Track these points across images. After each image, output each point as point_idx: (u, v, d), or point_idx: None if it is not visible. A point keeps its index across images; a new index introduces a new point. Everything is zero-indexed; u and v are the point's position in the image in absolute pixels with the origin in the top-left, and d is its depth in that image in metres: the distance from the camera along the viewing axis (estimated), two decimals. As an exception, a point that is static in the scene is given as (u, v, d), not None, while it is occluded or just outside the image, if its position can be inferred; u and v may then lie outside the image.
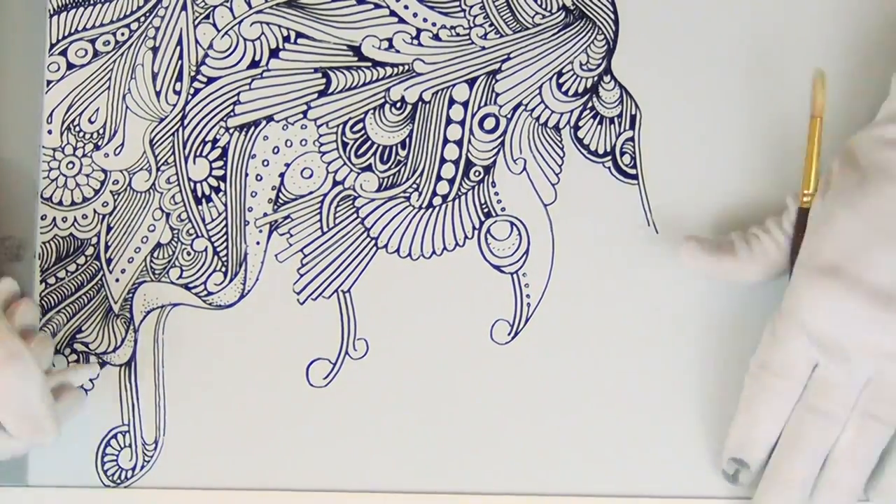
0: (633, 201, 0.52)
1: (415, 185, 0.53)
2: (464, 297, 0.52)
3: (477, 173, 0.53)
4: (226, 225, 0.53)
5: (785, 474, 0.45)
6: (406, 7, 0.54)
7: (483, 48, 0.53)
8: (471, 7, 0.54)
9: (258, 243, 0.53)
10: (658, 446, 0.50)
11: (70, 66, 0.55)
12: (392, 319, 0.52)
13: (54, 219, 0.53)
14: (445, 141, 0.53)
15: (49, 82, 0.55)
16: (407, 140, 0.53)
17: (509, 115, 0.53)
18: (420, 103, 0.53)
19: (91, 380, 0.52)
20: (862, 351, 0.44)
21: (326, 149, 0.53)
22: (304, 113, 0.54)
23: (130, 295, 0.53)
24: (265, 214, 0.53)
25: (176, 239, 0.53)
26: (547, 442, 0.50)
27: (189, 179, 0.54)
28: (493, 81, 0.53)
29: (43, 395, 0.46)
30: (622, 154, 0.52)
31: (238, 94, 0.54)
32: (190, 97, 0.54)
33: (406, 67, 0.54)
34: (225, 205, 0.53)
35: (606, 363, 0.51)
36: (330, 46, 0.54)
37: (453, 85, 0.53)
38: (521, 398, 0.51)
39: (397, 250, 0.52)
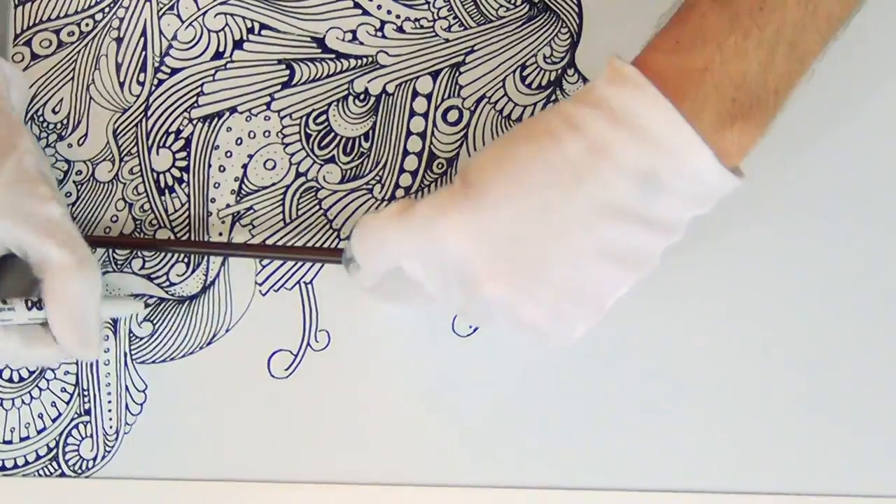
0: (596, 194, 0.52)
1: (378, 177, 0.53)
2: (426, 290, 0.52)
3: (440, 165, 0.53)
4: (189, 216, 0.53)
5: None
6: (370, -1, 0.54)
7: (447, 40, 0.53)
8: (435, -1, 0.54)
9: (221, 234, 0.53)
10: (623, 439, 0.50)
11: (34, 56, 0.55)
12: (354, 311, 0.52)
13: (17, 209, 0.53)
14: (409, 133, 0.53)
15: (13, 72, 0.54)
16: (370, 132, 0.53)
17: (473, 108, 0.53)
18: (383, 95, 0.53)
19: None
20: None
21: (289, 140, 0.53)
22: (268, 104, 0.54)
23: (93, 285, 0.53)
24: (228, 206, 0.53)
25: (139, 229, 0.53)
26: (508, 433, 0.50)
27: (152, 170, 0.54)
28: (457, 74, 0.53)
29: (98, 309, 0.46)
30: (585, 147, 0.52)
31: (202, 85, 0.54)
32: (154, 88, 0.54)
33: (370, 59, 0.54)
34: (188, 196, 0.53)
35: (569, 357, 0.51)
36: (294, 38, 0.54)
37: (417, 77, 0.53)
38: (482, 390, 0.51)
39: (360, 242, 0.52)
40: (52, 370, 0.52)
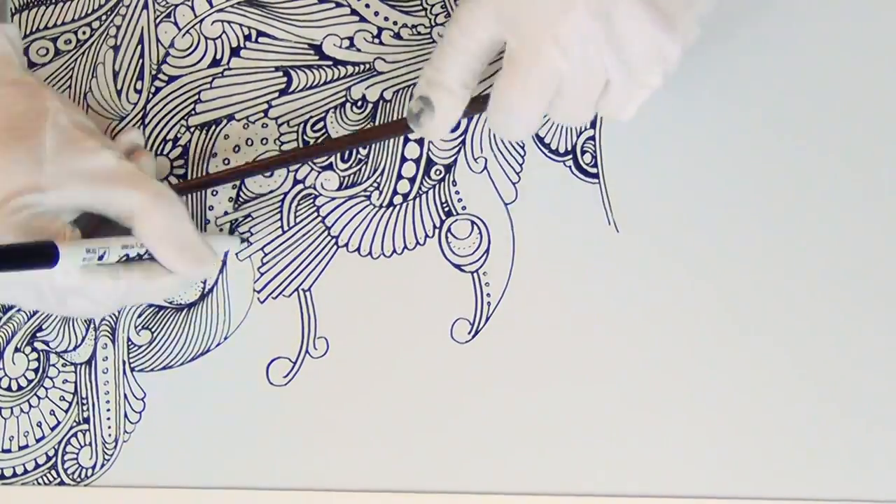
0: (594, 200, 0.52)
1: (375, 184, 0.53)
2: (424, 296, 0.52)
3: (438, 172, 0.53)
4: (186, 224, 0.53)
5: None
6: (367, 5, 0.54)
7: (444, 47, 0.53)
8: (432, 6, 0.54)
9: (219, 242, 0.53)
10: (618, 445, 0.50)
11: (31, 64, 0.55)
12: (352, 318, 0.52)
13: (15, 217, 0.53)
14: (406, 140, 0.53)
15: (10, 81, 0.54)
16: (368, 139, 0.53)
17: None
18: (381, 102, 0.53)
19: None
20: None
21: (287, 147, 0.53)
22: (265, 112, 0.54)
23: (91, 293, 0.53)
24: (226, 213, 0.53)
25: (137, 237, 0.53)
26: (506, 440, 0.50)
27: (150, 178, 0.54)
28: (455, 80, 0.53)
29: (194, 227, 0.47)
30: (583, 153, 0.52)
31: (199, 92, 0.54)
32: (151, 96, 0.54)
33: (367, 66, 0.54)
34: (185, 203, 0.53)
35: (566, 363, 0.51)
36: (291, 45, 0.54)
37: (414, 84, 0.53)
38: (480, 397, 0.51)
39: (358, 249, 0.52)
40: (51, 378, 0.52)
